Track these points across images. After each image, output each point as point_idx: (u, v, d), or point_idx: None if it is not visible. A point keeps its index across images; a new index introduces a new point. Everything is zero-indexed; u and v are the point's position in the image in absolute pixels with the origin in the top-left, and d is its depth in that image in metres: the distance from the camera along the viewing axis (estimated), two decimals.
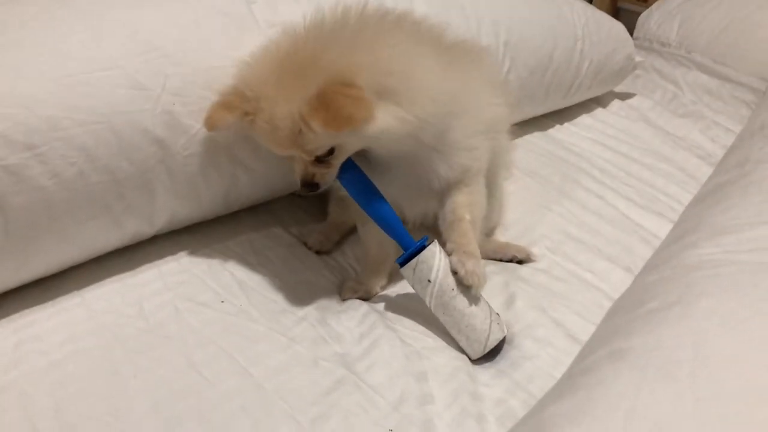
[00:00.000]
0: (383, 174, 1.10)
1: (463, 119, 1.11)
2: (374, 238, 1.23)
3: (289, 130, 0.98)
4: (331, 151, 1.02)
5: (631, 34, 2.21)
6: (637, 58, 2.09)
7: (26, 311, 1.06)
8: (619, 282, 1.26)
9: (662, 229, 1.43)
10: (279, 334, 1.07)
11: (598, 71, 1.93)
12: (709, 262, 0.90)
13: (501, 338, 1.10)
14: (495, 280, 1.26)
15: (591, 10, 1.97)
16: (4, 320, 1.04)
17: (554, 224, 1.47)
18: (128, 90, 1.10)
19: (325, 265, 1.29)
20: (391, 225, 1.10)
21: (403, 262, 1.10)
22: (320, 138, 0.98)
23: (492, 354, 1.10)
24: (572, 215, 1.51)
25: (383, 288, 1.25)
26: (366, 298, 1.22)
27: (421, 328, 1.14)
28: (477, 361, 1.09)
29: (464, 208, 1.13)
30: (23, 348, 1.00)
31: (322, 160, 1.03)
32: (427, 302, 1.10)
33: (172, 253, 1.22)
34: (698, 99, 2.15)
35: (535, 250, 1.37)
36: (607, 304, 1.15)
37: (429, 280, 1.08)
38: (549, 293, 1.24)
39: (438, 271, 1.08)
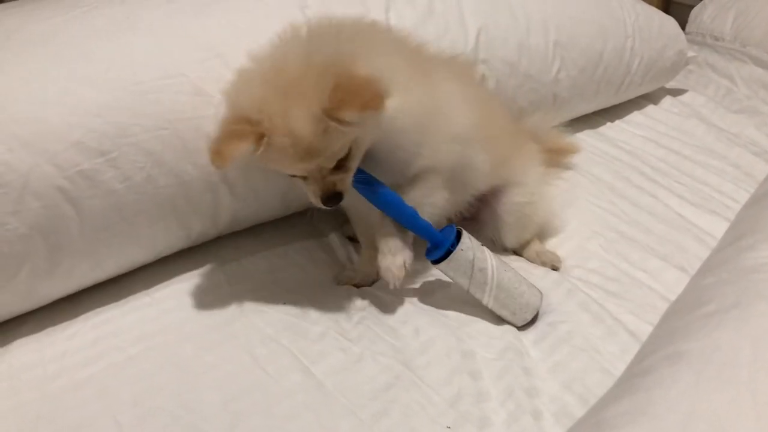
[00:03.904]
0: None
1: (429, 134, 1.10)
2: (365, 229, 1.26)
3: (311, 135, 0.95)
4: (346, 156, 1.02)
5: (683, 27, 2.17)
6: (690, 53, 2.06)
7: (101, 309, 1.13)
8: (673, 281, 1.26)
9: (716, 227, 1.41)
10: (338, 334, 1.11)
11: (649, 68, 1.91)
12: (767, 265, 0.90)
13: (540, 304, 1.18)
14: (549, 278, 1.28)
15: (641, 5, 1.96)
16: (82, 317, 1.11)
17: (606, 222, 1.47)
18: (191, 96, 1.15)
19: None
20: (412, 220, 1.11)
21: (439, 258, 1.12)
22: (345, 134, 0.97)
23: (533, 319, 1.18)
24: (624, 214, 1.50)
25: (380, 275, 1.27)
26: (363, 285, 1.26)
27: (476, 323, 1.16)
28: (522, 327, 1.17)
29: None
30: (101, 344, 1.06)
31: (339, 165, 1.01)
32: (468, 289, 1.15)
33: (235, 255, 1.27)
34: (753, 94, 2.10)
35: (590, 247, 1.38)
36: (661, 304, 1.16)
37: (469, 271, 1.12)
38: (603, 292, 1.24)
39: (474, 260, 1.12)
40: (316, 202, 1.04)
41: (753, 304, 0.81)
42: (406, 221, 1.11)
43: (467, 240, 1.14)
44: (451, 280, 1.17)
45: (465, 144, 1.17)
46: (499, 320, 1.17)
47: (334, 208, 1.06)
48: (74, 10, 1.18)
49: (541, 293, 1.19)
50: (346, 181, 1.03)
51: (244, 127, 0.95)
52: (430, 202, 1.14)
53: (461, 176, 1.19)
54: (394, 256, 1.10)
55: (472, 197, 1.29)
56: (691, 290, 0.99)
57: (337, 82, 0.94)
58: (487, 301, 1.15)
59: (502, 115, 1.40)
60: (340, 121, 0.94)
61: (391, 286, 1.11)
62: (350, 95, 0.93)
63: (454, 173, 1.16)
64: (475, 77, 1.47)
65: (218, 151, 0.96)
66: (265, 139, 0.95)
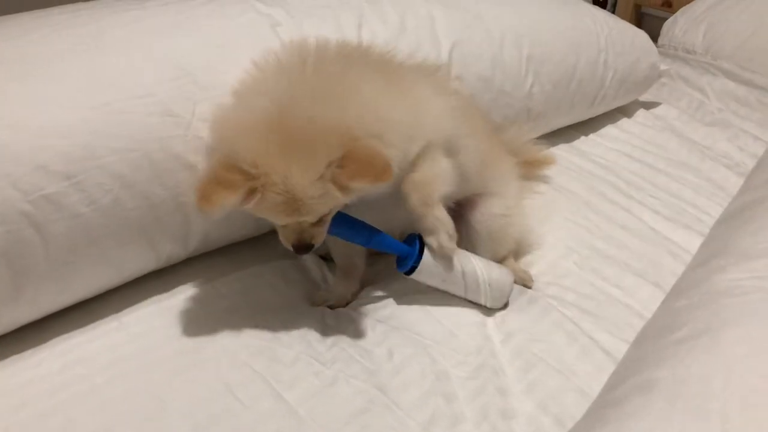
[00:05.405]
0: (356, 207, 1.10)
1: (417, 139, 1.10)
2: (339, 250, 1.27)
3: (308, 197, 0.95)
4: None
5: (655, 40, 2.20)
6: (663, 66, 2.08)
7: (68, 335, 1.10)
8: (647, 298, 1.26)
9: (691, 242, 1.43)
10: (311, 357, 1.09)
11: (622, 81, 1.93)
12: (738, 287, 0.90)
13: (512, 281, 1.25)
14: (523, 296, 1.28)
15: (614, 20, 1.97)
16: (48, 344, 1.08)
17: (581, 238, 1.47)
18: (161, 117, 1.12)
19: None
20: (383, 244, 1.15)
21: (411, 269, 1.16)
22: (339, 198, 0.98)
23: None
24: (599, 229, 1.50)
25: (355, 296, 1.28)
26: (338, 306, 1.25)
27: (451, 340, 1.15)
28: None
29: (410, 185, 1.10)
30: (68, 372, 1.03)
31: (318, 220, 1.02)
32: (443, 288, 1.20)
33: (207, 276, 1.25)
34: (725, 107, 2.13)
35: (565, 263, 1.38)
36: (636, 321, 1.16)
37: (441, 276, 1.17)
38: (578, 310, 1.24)
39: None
40: (287, 246, 1.06)
41: (724, 330, 0.81)
42: (367, 240, 1.13)
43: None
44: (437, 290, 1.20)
45: (451, 122, 1.16)
46: (475, 334, 1.17)
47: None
48: (39, 30, 1.15)
49: (510, 272, 1.25)
50: (320, 235, 1.05)
51: (237, 178, 0.93)
52: (440, 174, 1.13)
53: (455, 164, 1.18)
54: (440, 234, 1.12)
55: (455, 201, 1.26)
56: (663, 313, 0.99)
57: (347, 152, 0.95)
58: (484, 299, 1.21)
59: (481, 120, 1.39)
60: (346, 189, 0.96)
61: (452, 265, 1.16)
62: (363, 167, 0.95)
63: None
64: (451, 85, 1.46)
65: (207, 198, 0.92)
66: (258, 195, 0.94)
